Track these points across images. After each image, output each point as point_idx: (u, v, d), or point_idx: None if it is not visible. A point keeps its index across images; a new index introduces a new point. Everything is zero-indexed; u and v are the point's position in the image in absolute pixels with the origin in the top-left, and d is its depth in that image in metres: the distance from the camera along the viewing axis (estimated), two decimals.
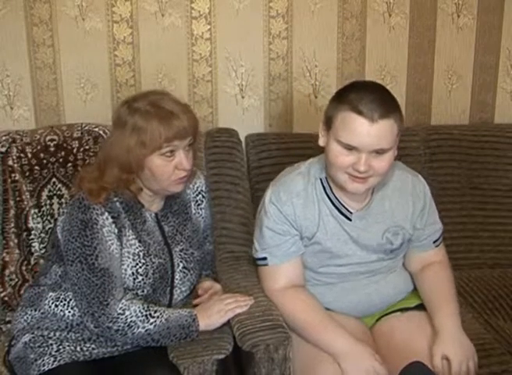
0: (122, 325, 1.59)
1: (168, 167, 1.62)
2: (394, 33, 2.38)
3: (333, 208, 1.72)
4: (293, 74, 2.35)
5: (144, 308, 1.61)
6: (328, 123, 1.61)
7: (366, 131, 1.53)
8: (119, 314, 1.59)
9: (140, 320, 1.59)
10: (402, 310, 1.80)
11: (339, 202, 1.72)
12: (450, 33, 2.43)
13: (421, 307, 1.79)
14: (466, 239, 2.29)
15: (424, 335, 1.69)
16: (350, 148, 1.56)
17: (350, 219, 1.72)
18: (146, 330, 1.60)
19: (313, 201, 1.71)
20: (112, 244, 1.62)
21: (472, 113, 2.52)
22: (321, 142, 1.67)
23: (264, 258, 1.72)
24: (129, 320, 1.59)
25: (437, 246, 1.84)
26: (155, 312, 1.62)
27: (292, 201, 1.69)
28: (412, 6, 2.37)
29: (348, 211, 1.72)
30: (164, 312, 1.63)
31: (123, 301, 1.61)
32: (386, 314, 1.81)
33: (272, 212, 1.70)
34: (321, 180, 1.72)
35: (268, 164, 2.16)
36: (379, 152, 1.57)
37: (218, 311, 1.67)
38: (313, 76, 2.36)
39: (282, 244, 1.70)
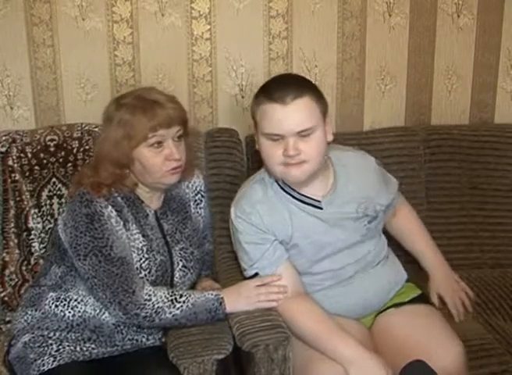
0: (149, 311, 1.60)
1: (158, 158, 1.63)
2: (394, 33, 2.38)
3: (300, 203, 1.72)
4: None
5: (169, 294, 1.62)
6: (254, 122, 1.66)
7: (282, 115, 1.57)
8: (145, 300, 1.60)
9: (167, 306, 1.60)
10: (397, 305, 1.80)
11: (304, 195, 1.72)
12: (450, 33, 2.42)
13: (414, 300, 1.81)
14: (466, 239, 2.29)
15: (421, 329, 1.71)
16: (275, 138, 1.59)
17: (321, 208, 1.72)
18: (173, 316, 1.61)
19: (277, 205, 1.71)
20: (123, 233, 1.63)
21: (472, 113, 2.52)
22: (257, 145, 1.69)
23: (256, 274, 1.71)
24: (156, 306, 1.60)
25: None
26: (181, 296, 1.62)
27: (257, 210, 1.69)
28: (412, 6, 2.37)
29: (315, 200, 1.72)
30: (190, 296, 1.63)
31: (147, 287, 1.62)
32: (382, 311, 1.81)
33: (242, 227, 1.70)
34: (276, 182, 1.73)
35: None
36: (304, 135, 1.59)
37: (246, 297, 1.66)
38: (313, 76, 2.35)
39: (266, 254, 1.69)
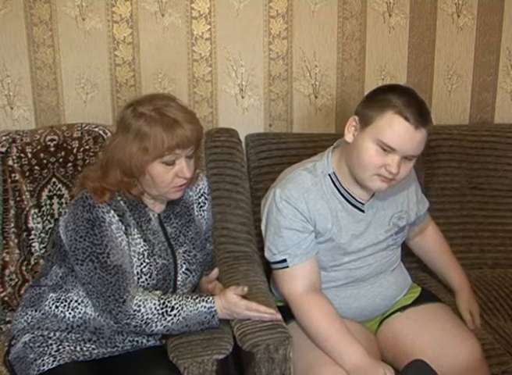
0: (139, 322, 1.60)
1: (169, 175, 1.62)
2: (394, 33, 2.38)
3: (346, 202, 1.73)
4: (293, 74, 2.35)
5: (159, 305, 1.60)
6: (366, 122, 1.63)
7: (409, 136, 1.58)
8: (135, 311, 1.59)
9: (157, 318, 1.59)
10: (401, 309, 1.81)
11: (351, 196, 1.73)
12: (450, 33, 2.43)
13: (418, 301, 1.83)
14: (466, 239, 2.29)
15: (428, 331, 1.72)
16: (388, 149, 1.59)
17: (363, 211, 1.74)
18: (164, 327, 1.61)
19: (323, 197, 1.71)
20: (122, 240, 1.62)
21: (472, 113, 2.52)
22: (349, 138, 1.68)
23: (284, 261, 1.70)
24: (145, 317, 1.59)
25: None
26: (172, 309, 1.60)
27: (304, 197, 1.69)
28: (412, 6, 2.37)
29: (360, 202, 1.74)
30: (182, 308, 1.60)
31: (137, 297, 1.60)
32: (387, 316, 1.82)
33: (286, 211, 1.69)
34: (329, 175, 1.73)
35: (268, 164, 2.16)
36: (408, 158, 1.63)
37: (237, 314, 1.63)
38: (313, 76, 2.36)
39: (302, 242, 1.69)
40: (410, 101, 1.59)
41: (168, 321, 1.60)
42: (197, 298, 1.63)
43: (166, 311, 1.60)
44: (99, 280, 1.59)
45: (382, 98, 1.62)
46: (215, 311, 1.62)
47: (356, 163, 1.65)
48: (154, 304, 1.60)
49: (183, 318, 1.60)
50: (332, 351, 1.61)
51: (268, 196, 1.75)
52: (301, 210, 1.68)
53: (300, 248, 1.69)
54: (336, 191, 1.73)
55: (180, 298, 1.62)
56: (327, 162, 1.74)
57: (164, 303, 1.61)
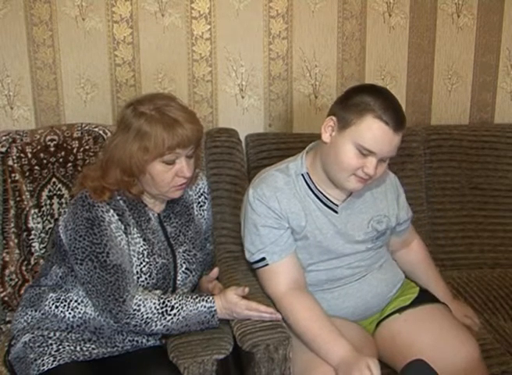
0: (139, 321, 1.60)
1: (169, 174, 1.62)
2: (394, 33, 2.38)
3: (319, 202, 1.73)
4: (293, 74, 2.35)
5: (159, 304, 1.60)
6: (345, 124, 1.63)
7: (388, 140, 1.61)
8: (134, 310, 1.59)
9: (157, 318, 1.59)
10: (399, 310, 1.80)
11: (325, 196, 1.73)
12: (450, 33, 2.43)
13: (416, 302, 1.82)
14: (466, 239, 2.29)
15: (426, 333, 1.72)
16: (365, 152, 1.61)
17: (337, 212, 1.74)
18: (164, 326, 1.61)
19: (296, 197, 1.72)
20: (122, 239, 1.63)
21: (472, 113, 2.52)
22: (326, 138, 1.68)
23: (263, 259, 1.71)
24: (145, 317, 1.59)
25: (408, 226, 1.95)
26: (172, 308, 1.60)
27: (276, 196, 1.70)
28: (412, 6, 2.37)
29: (333, 204, 1.74)
30: (182, 308, 1.60)
31: (137, 296, 1.60)
32: (385, 318, 1.81)
33: (260, 210, 1.70)
34: (302, 175, 1.74)
35: (268, 164, 2.13)
36: (384, 159, 1.65)
37: (237, 314, 1.63)
38: (313, 76, 2.36)
39: (279, 239, 1.70)
40: (388, 104, 1.61)
41: (168, 320, 1.60)
42: (196, 297, 1.63)
43: (166, 310, 1.60)
44: (99, 279, 1.59)
45: (360, 100, 1.62)
46: (214, 311, 1.62)
47: (333, 163, 1.66)
48: (154, 303, 1.60)
49: (182, 317, 1.60)
50: (319, 350, 1.60)
51: (244, 198, 1.77)
52: (273, 208, 1.69)
53: (278, 244, 1.70)
54: (310, 191, 1.73)
55: (180, 298, 1.62)
56: (301, 162, 1.75)
57: (164, 302, 1.61)
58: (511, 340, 1.89)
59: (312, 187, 1.74)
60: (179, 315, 1.60)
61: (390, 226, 1.83)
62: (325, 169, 1.70)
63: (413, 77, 2.44)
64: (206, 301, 1.62)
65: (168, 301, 1.61)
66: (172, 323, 1.60)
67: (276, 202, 1.70)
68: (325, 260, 1.75)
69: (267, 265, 1.71)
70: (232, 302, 1.62)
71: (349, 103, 1.64)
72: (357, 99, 1.63)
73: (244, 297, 1.63)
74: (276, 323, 1.62)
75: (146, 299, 1.61)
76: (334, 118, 1.66)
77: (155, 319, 1.60)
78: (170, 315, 1.60)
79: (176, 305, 1.61)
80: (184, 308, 1.61)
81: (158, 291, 1.66)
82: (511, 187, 2.33)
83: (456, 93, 2.49)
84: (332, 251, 1.74)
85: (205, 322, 1.62)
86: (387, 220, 1.81)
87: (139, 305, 1.60)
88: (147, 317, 1.59)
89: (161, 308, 1.60)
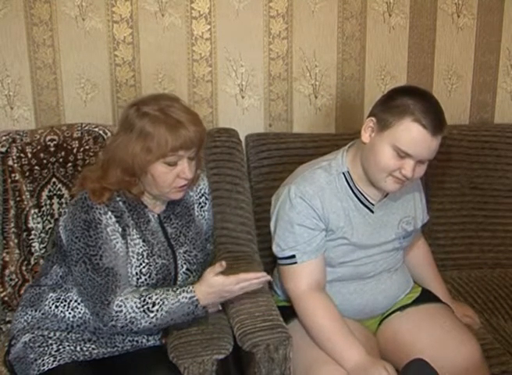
0: (124, 322, 1.59)
1: (170, 175, 1.62)
2: (394, 33, 2.38)
3: (357, 200, 1.74)
4: (293, 74, 2.35)
5: (140, 303, 1.59)
6: (384, 125, 1.63)
7: (427, 144, 1.61)
8: (117, 312, 1.59)
9: (140, 316, 1.59)
10: (401, 309, 1.82)
11: (363, 195, 1.75)
12: (450, 33, 2.43)
13: (418, 301, 1.84)
14: (466, 239, 2.29)
15: (427, 332, 1.73)
16: (402, 154, 1.61)
17: (373, 212, 1.75)
18: (150, 323, 1.60)
19: (337, 196, 1.72)
20: (117, 242, 1.62)
21: (472, 113, 2.52)
22: (365, 139, 1.68)
23: (293, 257, 1.71)
24: (128, 317, 1.59)
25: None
26: (153, 305, 1.58)
27: (319, 195, 1.70)
28: (412, 6, 2.37)
29: (370, 203, 1.75)
30: (163, 303, 1.59)
31: (119, 297, 1.59)
32: (387, 316, 1.82)
33: (300, 208, 1.70)
34: (343, 174, 1.74)
35: (268, 164, 2.16)
36: (423, 161, 1.65)
37: (229, 293, 1.60)
38: (313, 76, 2.36)
39: (313, 240, 1.70)
40: (429, 108, 1.60)
41: (152, 317, 1.59)
42: (177, 289, 1.61)
43: (148, 308, 1.59)
44: (89, 281, 1.59)
45: (400, 103, 1.62)
46: (196, 300, 1.59)
47: (371, 164, 1.67)
48: (135, 302, 1.59)
49: (166, 312, 1.59)
50: (333, 351, 1.61)
51: (280, 193, 1.76)
52: (315, 208, 1.69)
53: (311, 245, 1.70)
54: (349, 189, 1.74)
55: (161, 293, 1.61)
56: (341, 160, 1.75)
57: (145, 300, 1.59)
58: (511, 340, 1.89)
59: (352, 185, 1.74)
60: (161, 310, 1.59)
61: (416, 227, 1.85)
62: (365, 168, 1.71)
63: (413, 77, 2.44)
64: (186, 292, 1.60)
65: (149, 298, 1.60)
66: (156, 319, 1.59)
67: (319, 201, 1.70)
68: (356, 259, 1.77)
69: (295, 263, 1.71)
70: (217, 284, 1.59)
71: (389, 105, 1.64)
72: (398, 101, 1.63)
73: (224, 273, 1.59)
74: (276, 323, 1.62)
75: (127, 299, 1.59)
76: (374, 119, 1.66)
77: (139, 318, 1.59)
78: (153, 311, 1.59)
79: (157, 301, 1.59)
80: (166, 303, 1.59)
81: (141, 288, 1.64)
82: (511, 187, 2.33)
83: (456, 93, 2.49)
84: (364, 250, 1.76)
85: (190, 313, 1.60)
86: (414, 222, 1.83)
87: (120, 306, 1.59)
88: (131, 317, 1.59)
89: (142, 306, 1.59)
